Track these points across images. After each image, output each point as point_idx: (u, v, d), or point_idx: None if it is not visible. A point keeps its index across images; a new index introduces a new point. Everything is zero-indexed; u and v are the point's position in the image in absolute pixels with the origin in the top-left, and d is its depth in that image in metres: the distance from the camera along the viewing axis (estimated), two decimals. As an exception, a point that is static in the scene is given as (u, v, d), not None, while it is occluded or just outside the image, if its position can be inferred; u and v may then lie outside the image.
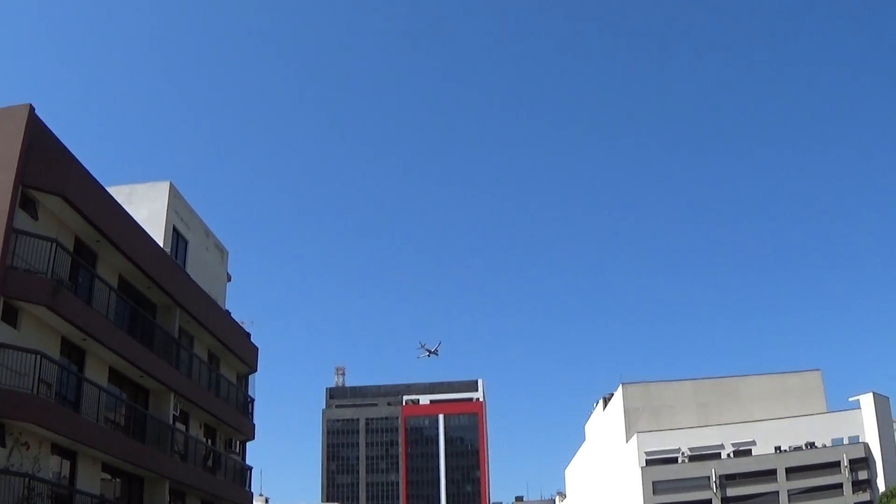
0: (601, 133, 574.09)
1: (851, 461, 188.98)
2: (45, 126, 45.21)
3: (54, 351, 45.72)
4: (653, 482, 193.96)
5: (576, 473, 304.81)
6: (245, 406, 75.76)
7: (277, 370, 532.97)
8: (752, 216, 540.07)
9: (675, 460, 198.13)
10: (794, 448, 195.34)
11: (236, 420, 71.84)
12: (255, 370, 78.72)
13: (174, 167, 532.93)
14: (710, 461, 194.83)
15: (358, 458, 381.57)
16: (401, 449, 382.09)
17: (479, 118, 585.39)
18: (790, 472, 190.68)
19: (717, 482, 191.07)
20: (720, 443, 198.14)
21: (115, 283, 52.81)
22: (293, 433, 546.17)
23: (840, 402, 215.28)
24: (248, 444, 77.56)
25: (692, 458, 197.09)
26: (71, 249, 47.35)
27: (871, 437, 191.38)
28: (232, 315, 75.12)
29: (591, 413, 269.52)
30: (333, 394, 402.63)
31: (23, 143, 43.43)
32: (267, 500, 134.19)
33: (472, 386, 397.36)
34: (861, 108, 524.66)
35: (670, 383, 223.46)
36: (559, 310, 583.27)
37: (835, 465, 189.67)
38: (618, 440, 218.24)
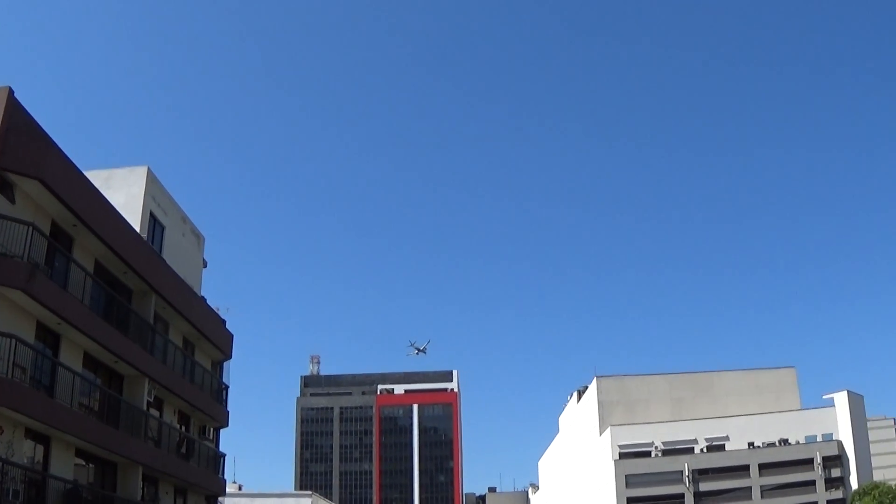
0: (579, 127, 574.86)
1: (825, 458, 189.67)
2: (24, 109, 44.99)
3: (29, 335, 45.51)
4: (626, 475, 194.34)
5: (549, 465, 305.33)
6: (219, 393, 75.61)
7: (252, 357, 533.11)
8: (729, 214, 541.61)
9: (648, 454, 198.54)
10: (768, 444, 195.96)
11: (210, 407, 71.69)
12: (230, 357, 78.56)
13: (152, 152, 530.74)
14: (684, 455, 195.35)
15: (331, 447, 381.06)
16: (374, 438, 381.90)
17: (454, 107, 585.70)
18: (763, 468, 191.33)
19: (690, 476, 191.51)
20: (693, 437, 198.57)
21: (91, 267, 52.58)
22: (267, 421, 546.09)
23: (814, 400, 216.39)
24: (222, 432, 77.50)
25: (665, 453, 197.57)
26: (47, 233, 47.12)
27: (845, 435, 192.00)
28: (207, 301, 74.94)
29: (565, 405, 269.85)
30: (308, 382, 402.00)
31: (1, 126, 43.19)
32: (240, 488, 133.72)
33: (447, 376, 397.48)
34: (842, 107, 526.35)
35: (645, 377, 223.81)
36: (535, 302, 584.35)
37: (808, 462, 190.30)
38: (591, 433, 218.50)
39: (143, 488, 58.20)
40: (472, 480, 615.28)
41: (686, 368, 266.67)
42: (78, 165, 49.99)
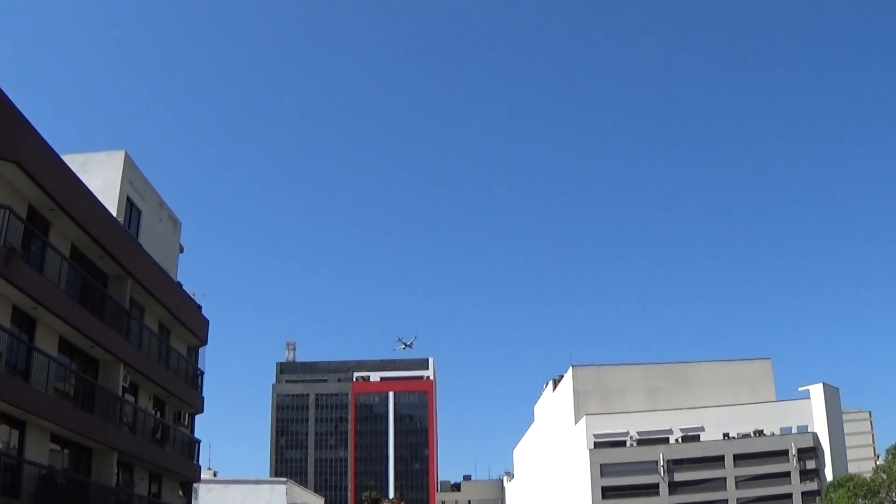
0: (554, 117, 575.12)
1: (800, 450, 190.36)
2: (1, 92, 44.70)
3: (4, 319, 45.28)
4: (601, 465, 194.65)
5: (524, 454, 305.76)
6: (194, 379, 75.46)
7: (228, 344, 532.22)
8: (707, 206, 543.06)
9: (623, 443, 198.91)
10: (743, 435, 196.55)
11: (185, 393, 71.54)
12: (206, 343, 78.43)
13: (129, 137, 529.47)
14: (659, 446, 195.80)
15: (307, 434, 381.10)
16: (350, 426, 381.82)
17: (434, 96, 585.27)
18: (738, 458, 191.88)
19: (665, 466, 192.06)
20: (669, 428, 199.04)
21: (67, 251, 52.31)
22: (243, 407, 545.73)
23: (789, 392, 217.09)
24: (197, 418, 77.34)
25: (640, 442, 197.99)
26: (24, 217, 46.83)
27: (820, 428, 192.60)
28: (183, 287, 74.75)
29: (541, 394, 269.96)
30: (284, 369, 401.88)
31: (-23, 109, 42.93)
32: (215, 474, 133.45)
33: (423, 364, 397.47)
34: (819, 99, 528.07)
35: (620, 367, 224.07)
36: (511, 291, 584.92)
37: (783, 454, 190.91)
38: (567, 422, 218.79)
39: (118, 474, 58.03)
40: (447, 468, 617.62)
41: (662, 359, 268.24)
42: (55, 149, 49.76)
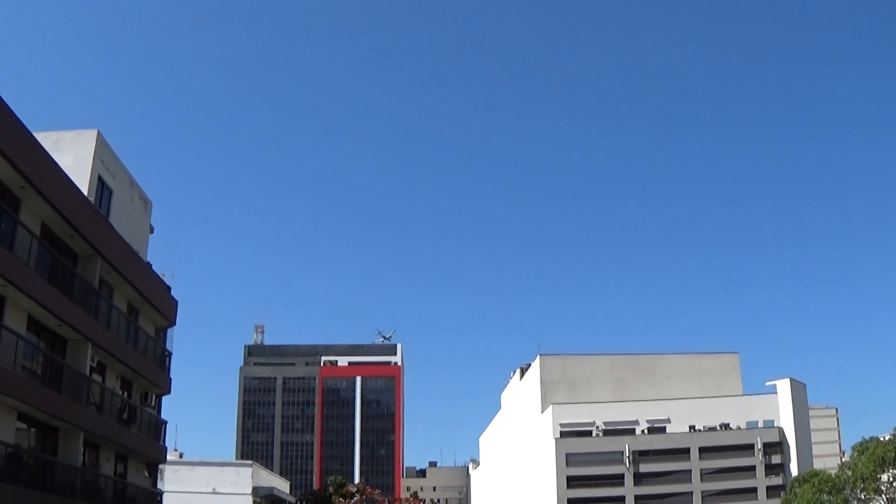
0: (526, 110, 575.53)
1: (765, 445, 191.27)
2: (-27, 69, 44.35)
3: (-27, 296, 45.19)
4: (566, 454, 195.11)
5: (490, 442, 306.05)
6: (162, 359, 75.30)
7: (196, 325, 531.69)
8: (675, 200, 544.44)
9: (589, 433, 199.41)
10: (709, 428, 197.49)
11: (153, 373, 71.39)
12: (174, 324, 78.28)
13: (101, 116, 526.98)
14: (625, 436, 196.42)
15: (273, 417, 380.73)
16: (317, 409, 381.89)
17: (411, 88, 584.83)
18: (704, 451, 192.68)
19: (631, 457, 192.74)
20: (635, 418, 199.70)
21: (37, 230, 52.08)
22: (210, 389, 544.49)
23: (756, 386, 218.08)
24: (164, 399, 77.21)
25: (606, 433, 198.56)
26: (-6, 194, 46.70)
27: (787, 422, 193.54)
28: (153, 267, 74.57)
29: (508, 382, 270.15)
30: (252, 351, 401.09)
31: (-51, 85, 42.69)
32: (181, 455, 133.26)
33: (391, 350, 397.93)
34: (792, 99, 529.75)
35: (588, 357, 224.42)
36: (480, 278, 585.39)
37: (748, 448, 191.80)
38: (533, 411, 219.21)
39: (84, 454, 57.86)
40: (413, 454, 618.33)
41: (629, 350, 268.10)
42: (27, 126, 49.51)
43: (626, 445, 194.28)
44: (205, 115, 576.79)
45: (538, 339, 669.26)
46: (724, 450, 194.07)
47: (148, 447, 70.26)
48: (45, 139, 54.46)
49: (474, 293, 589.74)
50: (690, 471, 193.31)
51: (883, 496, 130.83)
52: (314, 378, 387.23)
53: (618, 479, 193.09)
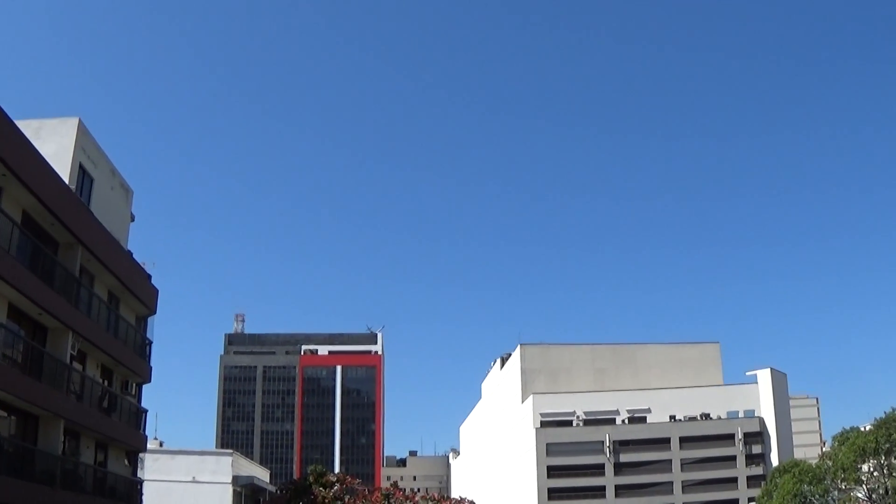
0: (505, 104, 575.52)
1: (746, 434, 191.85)
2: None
3: (-47, 284, 44.98)
4: (547, 444, 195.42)
5: (470, 431, 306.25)
6: (143, 348, 75.06)
7: (177, 314, 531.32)
8: (656, 191, 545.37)
9: (569, 423, 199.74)
10: (689, 418, 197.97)
11: (133, 362, 71.18)
12: (155, 312, 78.03)
13: (83, 104, 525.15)
14: (605, 426, 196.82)
15: (254, 406, 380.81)
16: (297, 398, 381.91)
17: (393, 78, 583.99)
18: (684, 441, 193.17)
19: (611, 447, 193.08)
20: (615, 408, 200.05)
21: (18, 217, 51.86)
22: (190, 378, 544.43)
23: (737, 376, 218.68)
24: (145, 387, 77.00)
25: (587, 423, 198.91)
26: (-25, 182, 46.47)
27: (767, 412, 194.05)
28: (134, 256, 74.36)
29: (489, 372, 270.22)
30: (232, 340, 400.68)
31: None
32: (161, 444, 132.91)
33: (372, 339, 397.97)
34: (781, 92, 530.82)
35: (568, 346, 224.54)
36: (461, 267, 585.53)
37: (729, 438, 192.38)
38: (514, 400, 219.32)
39: (64, 442, 57.73)
40: (393, 444, 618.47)
41: (610, 339, 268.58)
42: (8, 114, 49.29)
43: (606, 435, 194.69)
44: (186, 104, 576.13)
45: (519, 328, 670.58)
46: (705, 439, 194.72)
47: (128, 436, 70.08)
48: (27, 127, 54.21)
49: (455, 282, 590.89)
50: (671, 460, 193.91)
51: (864, 486, 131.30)
52: (294, 367, 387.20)
53: (598, 469, 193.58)
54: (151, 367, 76.35)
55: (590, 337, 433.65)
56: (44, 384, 53.23)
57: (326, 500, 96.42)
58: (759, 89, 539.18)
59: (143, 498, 75.65)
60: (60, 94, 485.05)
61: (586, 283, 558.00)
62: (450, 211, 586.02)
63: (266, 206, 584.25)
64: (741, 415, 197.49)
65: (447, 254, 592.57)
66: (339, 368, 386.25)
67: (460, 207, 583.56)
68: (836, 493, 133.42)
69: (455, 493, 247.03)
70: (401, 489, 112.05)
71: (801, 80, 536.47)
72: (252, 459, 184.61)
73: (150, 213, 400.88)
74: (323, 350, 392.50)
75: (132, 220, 76.78)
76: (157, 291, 78.20)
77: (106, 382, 67.68)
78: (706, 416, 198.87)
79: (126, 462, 72.24)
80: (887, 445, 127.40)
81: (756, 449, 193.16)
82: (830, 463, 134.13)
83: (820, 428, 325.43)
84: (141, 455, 77.86)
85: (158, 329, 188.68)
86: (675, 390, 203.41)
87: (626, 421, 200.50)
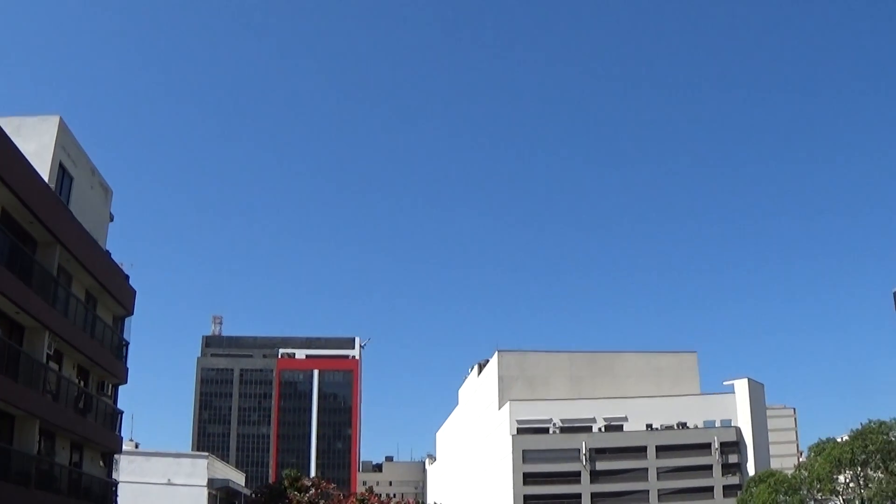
0: (482, 107, 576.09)
1: (722, 444, 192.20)
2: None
3: (-69, 282, 44.71)
4: (523, 451, 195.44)
5: (447, 437, 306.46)
6: (119, 349, 74.85)
7: (154, 315, 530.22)
8: (636, 199, 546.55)
9: (546, 430, 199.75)
10: (666, 427, 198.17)
11: (110, 363, 70.95)
12: (132, 313, 77.80)
13: (63, 102, 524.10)
14: (582, 434, 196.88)
15: (230, 409, 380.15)
16: (274, 402, 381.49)
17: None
18: (661, 450, 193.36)
19: (588, 455, 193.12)
20: (592, 416, 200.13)
21: (-3, 216, 51.76)
22: (167, 380, 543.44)
23: (714, 386, 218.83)
24: (121, 388, 76.78)
25: (564, 430, 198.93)
26: (-46, 179, 46.22)
27: (744, 422, 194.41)
28: (112, 256, 74.12)
29: (466, 378, 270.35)
30: (209, 342, 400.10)
31: None
32: (137, 446, 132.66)
33: (349, 343, 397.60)
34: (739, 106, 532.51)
35: (546, 354, 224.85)
36: (439, 273, 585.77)
37: (706, 447, 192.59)
38: (490, 407, 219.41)
39: (40, 442, 57.46)
40: (369, 449, 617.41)
41: (588, 347, 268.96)
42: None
43: (583, 443, 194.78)
44: (167, 104, 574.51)
45: (496, 335, 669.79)
46: (681, 448, 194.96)
47: (103, 437, 69.83)
48: (7, 124, 54.01)
49: (433, 288, 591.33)
50: (647, 469, 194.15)
51: (840, 497, 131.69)
52: (271, 370, 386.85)
53: (574, 477, 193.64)
54: (128, 369, 76.13)
55: (567, 344, 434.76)
56: (20, 384, 52.99)
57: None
58: (743, 99, 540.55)
59: (118, 499, 75.48)
60: (41, 92, 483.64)
61: (564, 290, 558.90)
62: (428, 217, 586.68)
63: (245, 209, 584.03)
64: (718, 424, 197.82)
65: (426, 260, 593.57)
66: (316, 373, 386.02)
67: (439, 214, 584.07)
68: (812, 503, 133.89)
69: (431, 499, 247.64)
70: (376, 494, 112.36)
71: (774, 101, 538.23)
72: (228, 462, 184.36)
73: (128, 213, 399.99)
74: (300, 354, 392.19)
75: (111, 220, 76.54)
76: (135, 292, 77.98)
77: (82, 383, 67.41)
78: (683, 425, 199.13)
79: (101, 463, 71.98)
80: (863, 457, 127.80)
81: (732, 458, 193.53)
82: (806, 473, 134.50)
83: (797, 439, 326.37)
84: (116, 456, 77.60)
85: (136, 330, 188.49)
86: (652, 399, 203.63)
87: (603, 429, 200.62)
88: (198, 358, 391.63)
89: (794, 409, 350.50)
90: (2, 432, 53.88)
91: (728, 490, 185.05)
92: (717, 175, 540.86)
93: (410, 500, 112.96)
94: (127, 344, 76.72)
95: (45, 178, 58.76)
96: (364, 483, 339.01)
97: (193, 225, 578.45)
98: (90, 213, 68.59)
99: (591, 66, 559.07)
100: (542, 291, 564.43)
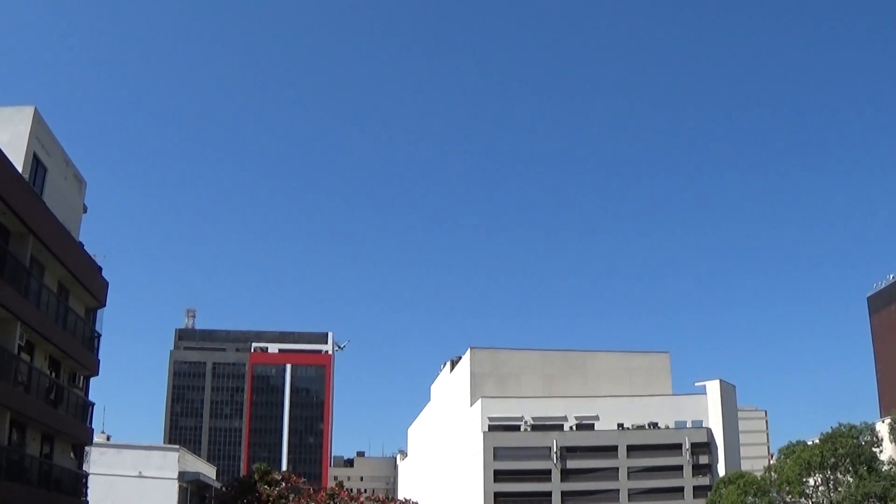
0: (467, 101, 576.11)
1: (693, 445, 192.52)
2: None
3: None
4: (494, 448, 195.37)
5: (418, 433, 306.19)
6: (91, 341, 74.64)
7: (127, 307, 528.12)
8: (610, 195, 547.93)
9: (517, 428, 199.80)
10: (637, 427, 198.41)
11: (82, 354, 70.75)
12: (104, 305, 77.57)
13: (37, 93, 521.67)
14: (553, 432, 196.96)
15: (203, 402, 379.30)
16: (246, 396, 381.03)
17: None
18: (632, 449, 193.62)
19: (559, 453, 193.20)
20: (564, 415, 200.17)
21: (-30, 205, 51.61)
22: (139, 372, 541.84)
23: (686, 386, 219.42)
24: (93, 381, 76.59)
25: (535, 428, 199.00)
26: (-73, 169, 46.08)
27: (715, 424, 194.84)
28: (85, 247, 73.93)
29: (438, 374, 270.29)
30: (182, 335, 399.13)
31: None
32: (108, 438, 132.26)
33: (322, 338, 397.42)
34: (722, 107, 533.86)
35: (518, 351, 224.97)
36: (413, 269, 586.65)
37: (676, 448, 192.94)
38: (462, 403, 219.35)
39: (10, 433, 57.33)
40: (341, 443, 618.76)
41: (560, 346, 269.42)
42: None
43: (554, 441, 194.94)
44: (141, 96, 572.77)
45: (469, 332, 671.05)
46: (652, 448, 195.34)
47: (74, 428, 69.66)
48: (-19, 115, 53.92)
49: (406, 285, 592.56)
50: (618, 468, 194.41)
51: (809, 500, 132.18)
52: (244, 364, 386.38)
53: (545, 475, 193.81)
54: (99, 361, 75.91)
55: (540, 343, 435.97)
56: (-10, 375, 52.88)
57: (271, 499, 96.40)
58: (719, 107, 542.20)
59: (89, 491, 75.24)
60: (16, 83, 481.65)
61: (538, 289, 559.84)
62: (402, 214, 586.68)
63: (219, 202, 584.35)
64: (689, 425, 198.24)
65: (399, 256, 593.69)
66: (288, 367, 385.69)
67: (412, 209, 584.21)
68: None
69: (402, 495, 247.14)
70: (346, 489, 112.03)
71: (746, 112, 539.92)
72: (199, 456, 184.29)
73: (102, 205, 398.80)
74: (273, 348, 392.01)
75: (84, 211, 76.30)
76: (108, 284, 77.75)
77: (53, 374, 67.23)
78: (654, 426, 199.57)
79: (72, 455, 71.82)
80: (833, 460, 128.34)
81: (703, 459, 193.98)
82: (775, 476, 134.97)
83: (768, 441, 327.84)
84: (87, 448, 77.48)
85: (109, 322, 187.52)
86: (623, 398, 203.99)
87: (574, 427, 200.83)
88: (171, 351, 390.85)
89: (766, 412, 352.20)
90: (-28, 423, 53.81)
91: (698, 491, 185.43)
92: (692, 180, 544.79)
93: (380, 496, 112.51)
94: (99, 336, 76.51)
95: (19, 169, 58.55)
96: (335, 478, 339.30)
97: (168, 218, 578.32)
98: (64, 204, 68.37)
99: (572, 70, 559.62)
100: (515, 289, 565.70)
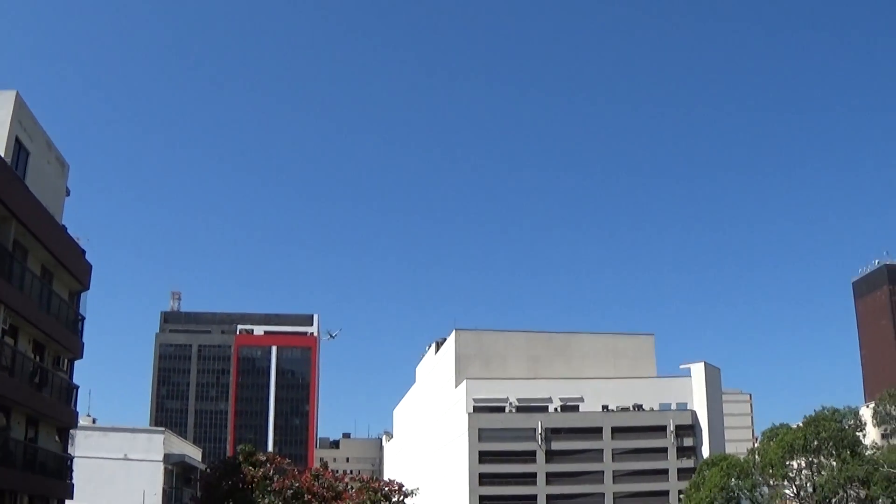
0: (450, 78, 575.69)
1: (678, 427, 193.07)
2: None
3: None
4: (479, 429, 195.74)
5: (404, 414, 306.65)
6: (75, 324, 74.65)
7: (112, 290, 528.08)
8: (597, 178, 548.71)
9: (502, 409, 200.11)
10: (622, 408, 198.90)
11: (66, 338, 70.79)
12: (88, 288, 77.57)
13: (19, 76, 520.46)
14: (537, 413, 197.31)
15: (188, 385, 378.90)
16: (232, 378, 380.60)
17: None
18: (616, 431, 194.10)
19: (543, 434, 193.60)
20: (548, 396, 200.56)
21: (-49, 190, 51.62)
22: (125, 355, 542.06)
23: (671, 369, 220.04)
24: (77, 364, 76.62)
25: (520, 409, 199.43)
26: None
27: (700, 406, 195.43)
28: (68, 231, 73.92)
29: (423, 356, 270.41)
30: (168, 318, 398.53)
31: None
32: (94, 421, 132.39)
33: (308, 320, 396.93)
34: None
35: (503, 333, 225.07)
36: (398, 250, 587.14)
37: (661, 430, 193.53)
38: (447, 385, 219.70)
39: (-7, 416, 57.53)
40: (326, 425, 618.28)
41: (545, 327, 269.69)
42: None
43: (538, 422, 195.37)
44: (125, 79, 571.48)
45: (454, 313, 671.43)
46: (637, 430, 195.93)
47: (59, 412, 69.79)
48: (-37, 99, 53.88)
49: (392, 265, 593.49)
50: (602, 450, 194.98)
51: (792, 483, 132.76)
52: (230, 346, 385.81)
53: (530, 456, 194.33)
54: (84, 344, 75.94)
55: (525, 324, 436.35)
56: (-26, 359, 52.97)
57: (256, 480, 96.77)
58: (715, 99, 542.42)
59: (74, 474, 75.35)
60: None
61: (522, 270, 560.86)
62: (388, 194, 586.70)
63: (203, 184, 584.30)
64: (674, 407, 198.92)
65: (384, 238, 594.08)
66: (274, 349, 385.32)
67: (399, 190, 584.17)
68: (765, 488, 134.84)
69: (387, 476, 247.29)
70: (331, 470, 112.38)
71: (735, 104, 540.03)
72: (186, 438, 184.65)
73: (85, 188, 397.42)
74: (259, 330, 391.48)
75: (67, 194, 76.26)
76: (91, 267, 77.72)
77: (37, 358, 67.25)
78: (639, 407, 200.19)
79: (57, 438, 71.94)
80: (816, 443, 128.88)
81: (688, 442, 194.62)
82: (759, 458, 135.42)
83: (752, 424, 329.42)
84: (72, 431, 77.57)
85: (93, 305, 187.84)
86: (608, 380, 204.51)
87: (559, 409, 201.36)
88: (156, 333, 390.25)
89: (750, 395, 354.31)
90: (-44, 407, 53.92)
91: (682, 473, 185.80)
92: (677, 168, 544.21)
93: (365, 476, 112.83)
94: (83, 319, 76.54)
95: (1, 153, 58.58)
96: (321, 459, 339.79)
97: (152, 200, 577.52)
98: (46, 188, 68.35)
99: (568, 67, 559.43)
100: (501, 271, 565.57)
